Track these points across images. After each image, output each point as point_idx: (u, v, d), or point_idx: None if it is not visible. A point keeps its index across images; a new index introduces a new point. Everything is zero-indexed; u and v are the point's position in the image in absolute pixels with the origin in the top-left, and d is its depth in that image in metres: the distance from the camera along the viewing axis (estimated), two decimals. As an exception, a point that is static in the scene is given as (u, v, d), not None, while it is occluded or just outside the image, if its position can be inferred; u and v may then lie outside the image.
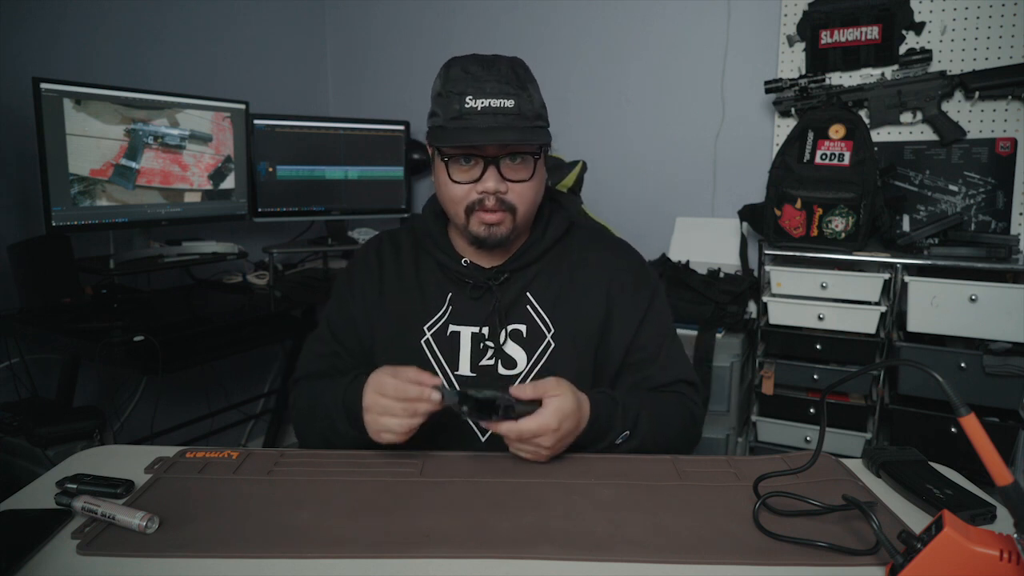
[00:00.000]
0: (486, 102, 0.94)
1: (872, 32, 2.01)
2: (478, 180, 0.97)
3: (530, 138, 0.96)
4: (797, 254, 1.90)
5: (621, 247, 1.16)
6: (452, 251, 1.08)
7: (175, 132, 1.97)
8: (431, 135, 0.99)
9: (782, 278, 1.91)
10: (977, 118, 1.95)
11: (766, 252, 1.95)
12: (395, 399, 0.86)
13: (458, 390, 0.88)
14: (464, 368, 1.04)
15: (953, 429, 1.72)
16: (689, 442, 1.07)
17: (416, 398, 0.86)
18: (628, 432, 0.97)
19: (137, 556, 0.69)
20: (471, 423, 1.03)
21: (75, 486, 0.79)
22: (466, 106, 0.94)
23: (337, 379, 1.02)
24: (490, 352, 1.04)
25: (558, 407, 0.88)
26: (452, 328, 1.05)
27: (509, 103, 0.94)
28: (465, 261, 1.06)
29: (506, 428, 0.87)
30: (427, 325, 1.05)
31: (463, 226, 1.01)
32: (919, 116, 1.99)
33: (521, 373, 1.04)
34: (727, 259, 2.22)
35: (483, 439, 1.04)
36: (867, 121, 2.00)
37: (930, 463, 0.91)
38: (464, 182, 0.98)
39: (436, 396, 0.86)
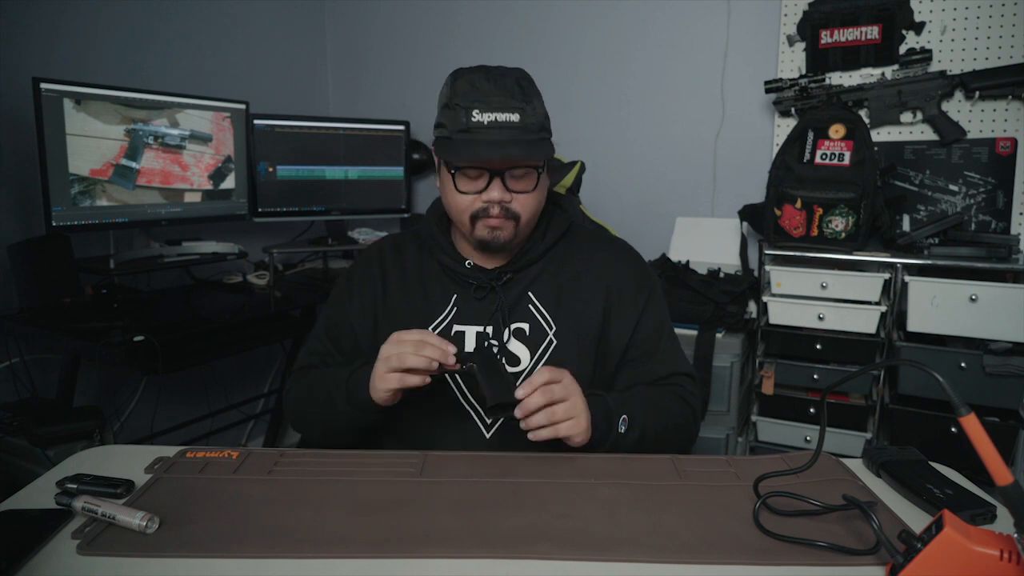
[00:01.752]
0: (492, 116, 0.96)
1: (872, 32, 2.01)
2: (483, 191, 1.00)
3: (534, 153, 0.98)
4: (797, 254, 1.90)
5: (620, 247, 1.18)
6: (456, 253, 1.10)
7: (175, 132, 1.97)
8: (439, 146, 1.02)
9: (782, 278, 1.91)
10: (977, 118, 1.95)
11: (766, 252, 1.95)
12: (415, 340, 0.91)
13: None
14: None
15: (953, 429, 1.71)
16: (688, 429, 1.08)
17: (436, 343, 0.91)
18: (626, 416, 0.98)
19: (137, 556, 0.69)
20: (477, 420, 1.04)
21: (75, 486, 0.79)
22: (473, 120, 0.96)
23: (342, 366, 1.07)
24: (495, 350, 1.06)
25: (545, 368, 0.93)
26: (457, 328, 1.07)
27: (514, 117, 0.97)
28: (469, 263, 1.09)
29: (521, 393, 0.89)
30: (432, 326, 1.08)
31: (468, 232, 1.04)
32: (919, 116, 1.99)
33: (524, 370, 1.06)
34: (727, 259, 2.22)
35: (488, 435, 1.05)
36: (867, 121, 2.00)
37: (930, 463, 0.91)
38: (470, 192, 1.01)
39: (452, 348, 0.92)
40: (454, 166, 1.00)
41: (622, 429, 0.97)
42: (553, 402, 0.90)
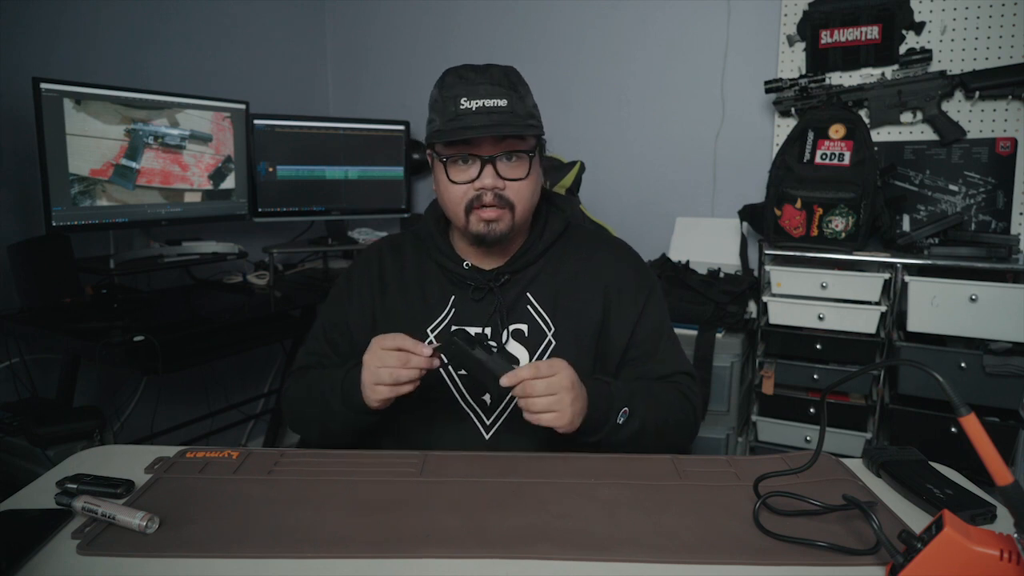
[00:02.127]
0: (480, 102, 0.97)
1: (872, 32, 2.01)
2: (476, 179, 1.00)
3: (524, 131, 0.99)
4: (797, 254, 1.90)
5: (618, 247, 1.18)
6: (454, 254, 1.10)
7: (175, 132, 1.97)
8: (429, 138, 1.02)
9: (782, 278, 1.91)
10: (977, 118, 1.95)
11: (766, 252, 1.95)
12: (392, 348, 0.92)
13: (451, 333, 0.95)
14: None
15: (953, 429, 1.71)
16: (688, 425, 1.08)
17: (411, 348, 0.91)
18: (627, 408, 0.98)
19: (137, 556, 0.69)
20: (474, 415, 1.05)
21: (75, 486, 0.79)
22: (461, 107, 0.97)
23: (337, 367, 1.06)
24: (493, 351, 1.05)
25: (542, 359, 0.95)
26: (456, 329, 1.06)
27: (502, 102, 0.98)
28: (467, 264, 1.09)
29: (507, 379, 0.90)
30: (430, 327, 1.07)
31: (463, 227, 1.03)
32: (919, 116, 1.99)
33: None
34: (727, 259, 2.22)
35: (487, 436, 1.05)
36: (867, 121, 2.00)
37: (930, 463, 0.91)
38: (462, 182, 1.01)
39: (427, 351, 0.92)
40: (446, 155, 1.00)
41: (620, 420, 0.97)
42: (531, 396, 0.89)
